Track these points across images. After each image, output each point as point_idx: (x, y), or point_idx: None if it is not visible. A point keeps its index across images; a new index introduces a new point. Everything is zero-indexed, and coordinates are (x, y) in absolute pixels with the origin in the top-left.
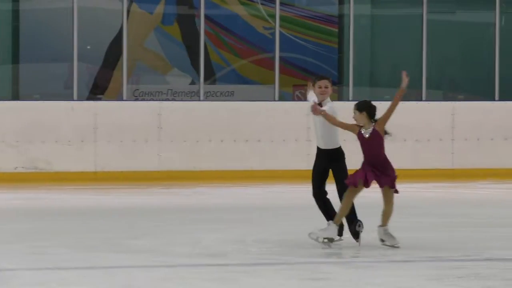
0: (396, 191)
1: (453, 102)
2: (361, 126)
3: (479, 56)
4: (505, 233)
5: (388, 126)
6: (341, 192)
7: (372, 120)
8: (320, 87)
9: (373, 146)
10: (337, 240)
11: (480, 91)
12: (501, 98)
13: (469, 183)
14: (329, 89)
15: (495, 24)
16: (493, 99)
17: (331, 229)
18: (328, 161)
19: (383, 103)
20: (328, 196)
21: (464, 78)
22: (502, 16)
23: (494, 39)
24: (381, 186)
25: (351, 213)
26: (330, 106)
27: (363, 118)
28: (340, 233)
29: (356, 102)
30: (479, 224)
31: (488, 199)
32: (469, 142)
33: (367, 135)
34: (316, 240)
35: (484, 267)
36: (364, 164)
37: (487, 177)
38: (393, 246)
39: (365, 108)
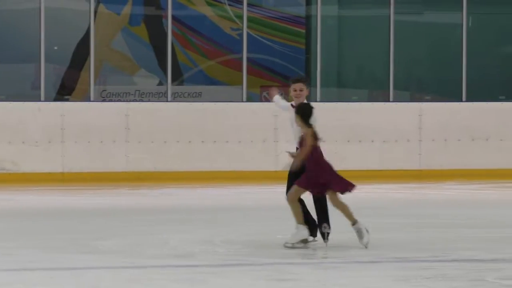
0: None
1: (420, 103)
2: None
3: (447, 56)
4: (472, 233)
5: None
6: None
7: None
8: (295, 90)
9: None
10: (311, 241)
11: (447, 91)
12: (468, 99)
13: (436, 184)
14: (304, 92)
15: (462, 25)
16: (460, 100)
17: (301, 231)
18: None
19: (351, 104)
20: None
21: (432, 79)
22: (469, 17)
23: (461, 40)
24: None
25: (323, 214)
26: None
27: (298, 120)
28: (313, 233)
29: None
30: (446, 224)
31: (455, 199)
32: (436, 142)
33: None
34: (293, 247)
35: (451, 268)
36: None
37: (454, 177)
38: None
39: (299, 111)
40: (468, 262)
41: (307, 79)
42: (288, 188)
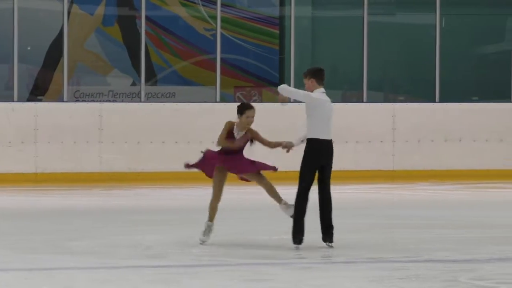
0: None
1: (394, 104)
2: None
3: (420, 57)
4: (445, 234)
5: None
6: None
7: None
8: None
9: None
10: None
11: (420, 92)
12: (442, 100)
13: (409, 185)
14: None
15: (435, 25)
16: (434, 101)
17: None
18: (330, 155)
19: None
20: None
21: (405, 80)
22: (442, 17)
23: (434, 41)
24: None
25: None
26: None
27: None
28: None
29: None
30: (419, 225)
31: (428, 200)
32: (410, 143)
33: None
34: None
35: (424, 269)
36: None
37: (428, 178)
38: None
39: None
40: (441, 263)
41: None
42: (309, 181)
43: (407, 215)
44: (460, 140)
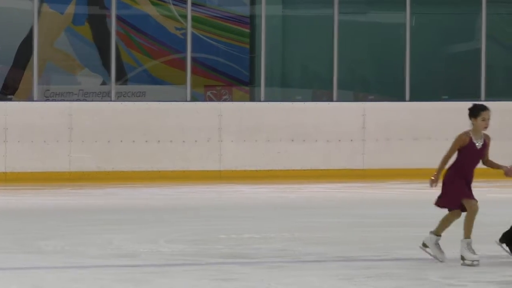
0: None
1: (364, 103)
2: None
3: (390, 56)
4: (414, 232)
5: (299, 126)
6: None
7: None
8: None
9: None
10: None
11: (390, 91)
12: (412, 99)
13: (379, 184)
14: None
15: (405, 24)
16: (404, 100)
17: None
18: None
19: (295, 104)
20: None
21: (375, 79)
22: (412, 16)
23: (404, 39)
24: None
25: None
26: None
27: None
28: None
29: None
30: (389, 224)
31: (398, 199)
32: (380, 142)
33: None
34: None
35: (394, 267)
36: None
37: (397, 177)
38: None
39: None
40: (411, 261)
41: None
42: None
43: (377, 213)
44: (429, 139)
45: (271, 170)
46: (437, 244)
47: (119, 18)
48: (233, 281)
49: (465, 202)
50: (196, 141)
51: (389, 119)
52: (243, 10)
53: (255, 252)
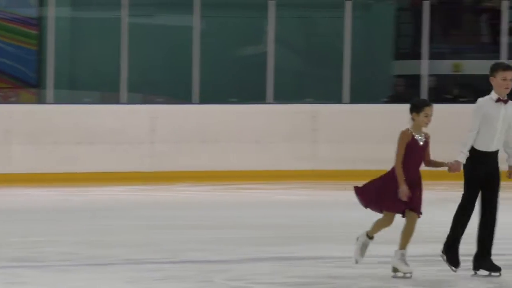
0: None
1: (153, 106)
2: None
3: (179, 59)
4: (201, 235)
5: (88, 129)
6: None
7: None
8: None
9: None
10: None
11: (180, 94)
12: (201, 101)
13: (169, 186)
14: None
15: (195, 27)
16: (193, 102)
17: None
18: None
19: (82, 106)
20: None
21: (165, 81)
22: (202, 20)
23: (194, 42)
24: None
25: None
26: None
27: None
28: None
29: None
30: (177, 226)
31: (187, 201)
32: (169, 145)
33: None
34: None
35: (181, 269)
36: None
37: (187, 179)
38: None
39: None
40: (197, 263)
41: None
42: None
43: (166, 216)
44: (217, 142)
45: (58, 173)
46: (364, 247)
47: None
48: (19, 285)
49: (407, 212)
50: None
51: (178, 122)
52: (31, 12)
53: (43, 255)
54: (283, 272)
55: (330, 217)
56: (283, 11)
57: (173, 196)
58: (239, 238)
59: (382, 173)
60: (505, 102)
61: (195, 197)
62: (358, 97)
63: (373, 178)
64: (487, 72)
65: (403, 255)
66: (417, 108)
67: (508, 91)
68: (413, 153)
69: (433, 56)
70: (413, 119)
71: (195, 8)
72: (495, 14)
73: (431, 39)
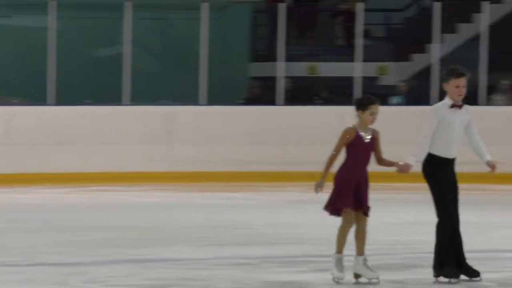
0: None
1: (8, 107)
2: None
3: (35, 60)
4: (57, 237)
5: None
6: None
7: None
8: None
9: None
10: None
11: (36, 95)
12: (57, 103)
13: (24, 188)
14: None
15: (51, 28)
16: (49, 104)
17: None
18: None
19: None
20: None
21: (20, 82)
22: (59, 20)
23: (49, 43)
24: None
25: None
26: None
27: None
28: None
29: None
30: (33, 229)
31: (42, 204)
32: (24, 146)
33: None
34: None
35: (37, 272)
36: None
37: (42, 182)
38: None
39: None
40: (53, 266)
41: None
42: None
43: (21, 218)
44: (74, 144)
45: None
46: (338, 263)
47: None
48: None
49: (344, 212)
50: None
51: (34, 123)
52: None
53: None
54: (139, 274)
55: (185, 219)
56: (140, 13)
57: (28, 199)
58: (95, 240)
59: (239, 175)
60: (460, 107)
61: (51, 199)
62: (214, 99)
63: (233, 181)
64: (342, 74)
65: (365, 260)
66: (362, 106)
67: (462, 97)
68: (359, 150)
69: (289, 58)
70: (358, 116)
71: (50, 9)
72: (350, 17)
73: (287, 41)
